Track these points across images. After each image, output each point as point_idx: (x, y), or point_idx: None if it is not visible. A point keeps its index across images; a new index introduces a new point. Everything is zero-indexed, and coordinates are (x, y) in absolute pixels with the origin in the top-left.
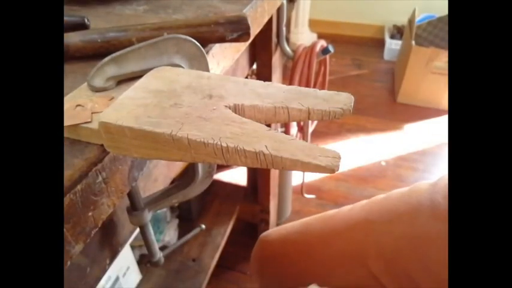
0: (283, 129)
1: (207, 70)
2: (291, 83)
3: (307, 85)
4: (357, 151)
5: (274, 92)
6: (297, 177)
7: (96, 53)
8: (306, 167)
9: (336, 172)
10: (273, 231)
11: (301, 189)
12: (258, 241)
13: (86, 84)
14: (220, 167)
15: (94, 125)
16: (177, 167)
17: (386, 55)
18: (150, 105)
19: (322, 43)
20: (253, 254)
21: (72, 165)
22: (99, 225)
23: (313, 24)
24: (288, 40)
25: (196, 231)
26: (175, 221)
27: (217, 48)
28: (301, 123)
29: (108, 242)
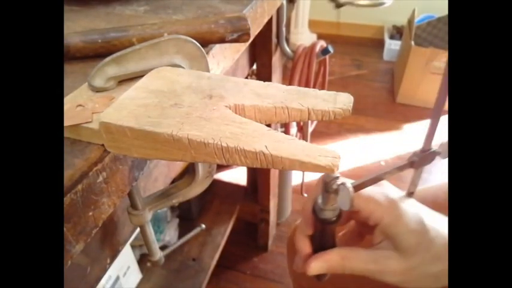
0: (283, 129)
1: (207, 70)
2: (290, 83)
3: (307, 85)
4: (356, 151)
5: (274, 92)
6: (297, 177)
7: (97, 54)
8: (305, 166)
9: (336, 172)
10: None
11: (301, 189)
12: (293, 227)
13: (86, 84)
14: (220, 167)
15: (95, 125)
16: (177, 167)
17: (386, 55)
18: (151, 105)
19: (322, 43)
20: (288, 237)
21: (72, 165)
22: (100, 225)
23: (313, 24)
24: (287, 40)
25: (196, 230)
26: (176, 221)
27: (217, 49)
28: (301, 123)
29: (108, 242)
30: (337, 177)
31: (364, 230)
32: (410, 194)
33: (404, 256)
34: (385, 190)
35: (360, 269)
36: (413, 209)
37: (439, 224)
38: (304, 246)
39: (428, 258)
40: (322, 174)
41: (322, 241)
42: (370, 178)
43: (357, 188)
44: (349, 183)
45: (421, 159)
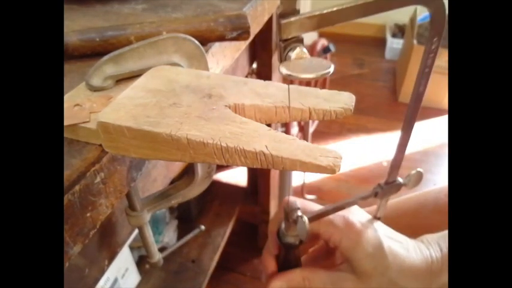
0: (283, 129)
1: (207, 69)
2: (291, 82)
3: (308, 84)
4: (358, 151)
5: (275, 91)
6: (297, 178)
7: (95, 52)
8: (306, 167)
9: (337, 172)
10: None
11: (301, 190)
12: None
13: (84, 83)
14: (220, 167)
15: (92, 125)
16: (177, 167)
17: (388, 54)
18: (149, 104)
19: (323, 42)
20: None
21: (70, 165)
22: (98, 226)
23: None
24: None
25: (195, 232)
26: (175, 222)
27: (216, 47)
28: (302, 123)
29: (106, 243)
30: (298, 209)
31: (331, 249)
32: (377, 219)
33: (361, 279)
34: (347, 214)
35: None
36: (373, 233)
37: (398, 248)
38: (270, 264)
39: (384, 282)
40: (284, 201)
41: (286, 261)
42: (332, 207)
43: (317, 217)
44: (305, 216)
45: (385, 190)
